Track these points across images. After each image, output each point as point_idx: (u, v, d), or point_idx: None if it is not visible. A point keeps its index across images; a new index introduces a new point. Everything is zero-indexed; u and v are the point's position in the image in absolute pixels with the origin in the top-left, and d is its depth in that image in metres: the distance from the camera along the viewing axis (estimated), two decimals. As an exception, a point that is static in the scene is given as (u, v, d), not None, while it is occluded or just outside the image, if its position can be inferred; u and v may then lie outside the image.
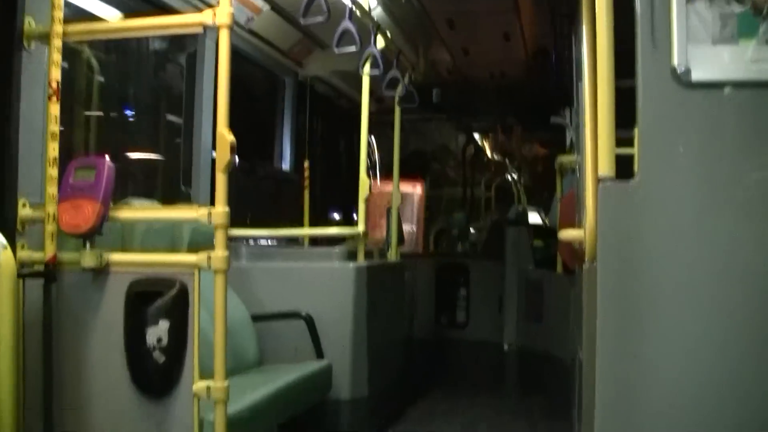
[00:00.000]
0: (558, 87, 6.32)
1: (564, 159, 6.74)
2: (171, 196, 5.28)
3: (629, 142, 2.65)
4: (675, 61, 2.36)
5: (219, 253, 3.32)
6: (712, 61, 2.36)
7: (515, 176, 15.20)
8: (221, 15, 3.38)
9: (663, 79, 2.37)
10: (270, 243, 6.17)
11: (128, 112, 5.59)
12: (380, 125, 8.91)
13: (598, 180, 2.45)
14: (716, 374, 2.34)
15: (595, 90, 2.52)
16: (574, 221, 4.39)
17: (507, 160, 14.91)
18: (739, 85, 2.34)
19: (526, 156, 14.36)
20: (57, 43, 3.48)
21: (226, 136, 3.31)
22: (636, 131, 2.45)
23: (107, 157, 3.51)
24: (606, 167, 2.39)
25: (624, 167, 2.60)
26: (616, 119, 2.49)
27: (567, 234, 3.33)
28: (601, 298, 2.40)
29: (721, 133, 2.36)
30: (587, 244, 2.61)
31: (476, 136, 12.95)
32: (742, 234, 2.36)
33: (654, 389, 2.36)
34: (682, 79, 2.35)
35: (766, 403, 2.30)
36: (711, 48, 2.37)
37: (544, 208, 10.19)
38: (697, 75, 2.35)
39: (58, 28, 3.48)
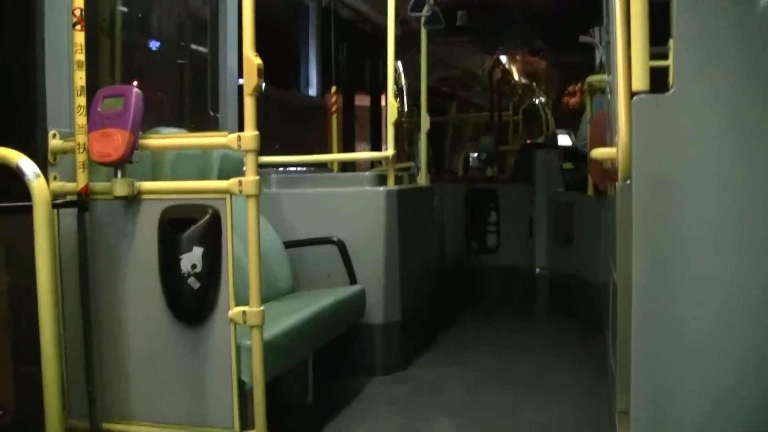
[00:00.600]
0: (586, 4, 6.18)
1: (593, 79, 6.65)
2: (200, 123, 5.26)
3: (660, 57, 2.60)
4: (712, -31, 2.30)
5: (250, 177, 3.31)
6: (750, -31, 2.29)
7: (543, 99, 15.06)
8: (245, -63, 3.32)
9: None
10: (299, 170, 6.16)
11: (154, 42, 5.54)
12: (405, 50, 8.81)
13: (631, 95, 2.40)
14: (753, 298, 2.32)
15: (627, 3, 2.46)
16: (605, 142, 4.33)
17: (534, 84, 14.76)
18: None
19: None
20: (78, -31, 3.44)
21: (252, 59, 3.27)
22: (670, 43, 2.40)
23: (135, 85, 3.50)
24: (640, 81, 2.33)
25: (659, 83, 2.55)
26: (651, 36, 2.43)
27: (600, 152, 3.29)
28: (636, 216, 2.37)
29: (758, 43, 2.29)
30: (621, 162, 2.57)
31: (503, 59, 12.79)
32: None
33: (689, 311, 2.35)
34: (717, -9, 2.29)
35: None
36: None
37: (574, 131, 10.08)
38: (734, -17, 2.29)
39: (80, -45, 3.44)
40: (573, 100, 13.56)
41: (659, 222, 2.36)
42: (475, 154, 10.61)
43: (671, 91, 2.35)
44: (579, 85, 10.02)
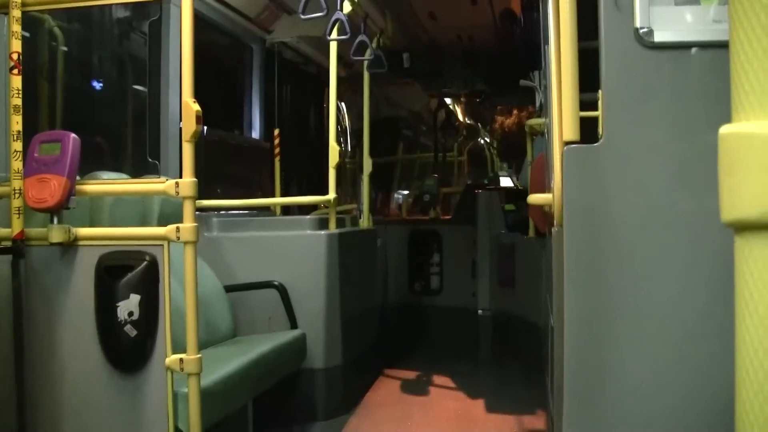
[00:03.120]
0: (527, 50, 6.30)
1: (533, 122, 6.75)
2: (139, 168, 5.23)
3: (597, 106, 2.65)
4: (638, 22, 2.36)
5: (187, 224, 3.30)
6: (675, 22, 2.36)
7: (488, 140, 15.20)
8: (183, -18, 3.33)
9: (626, 40, 2.36)
10: (241, 212, 6.14)
11: (94, 84, 5.51)
12: (351, 92, 8.87)
13: (563, 144, 2.45)
14: (686, 340, 2.35)
15: (560, 53, 2.51)
16: (544, 185, 4.39)
17: (479, 124, 14.90)
18: (701, 45, 2.34)
19: (498, 124, 14.38)
20: (16, 13, 3.42)
21: (191, 105, 3.28)
22: (600, 94, 2.45)
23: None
24: (570, 131, 2.38)
25: (593, 130, 2.61)
26: (585, 83, 2.48)
27: (536, 198, 3.33)
28: (567, 262, 2.40)
29: (685, 93, 2.36)
30: (555, 208, 2.61)
31: (447, 101, 12.92)
32: (709, 196, 2.36)
33: (622, 356, 2.38)
34: (645, 40, 2.35)
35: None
36: (673, 9, 2.37)
37: (517, 172, 10.20)
38: (659, 36, 2.35)
39: (17, -2, 3.43)
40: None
41: (589, 268, 2.40)
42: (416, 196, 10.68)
43: (600, 141, 2.39)
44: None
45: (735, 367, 0.83)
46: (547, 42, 3.55)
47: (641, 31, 2.36)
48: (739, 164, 0.80)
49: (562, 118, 2.42)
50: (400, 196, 11.44)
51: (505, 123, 14.14)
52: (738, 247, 0.83)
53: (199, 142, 3.40)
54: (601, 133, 2.43)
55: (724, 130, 0.84)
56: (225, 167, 6.53)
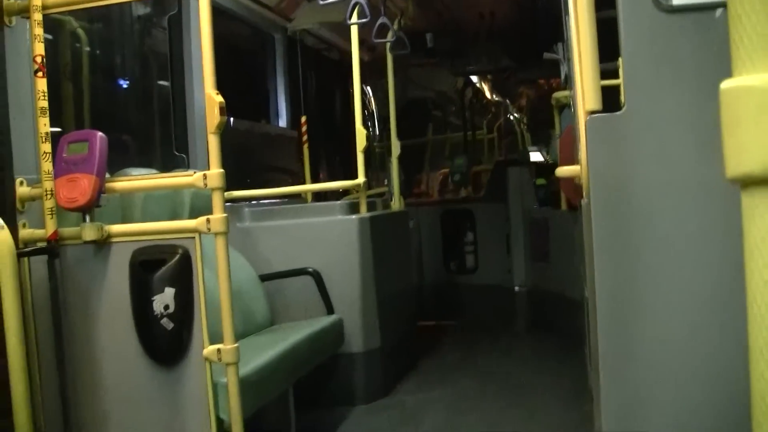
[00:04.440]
0: (549, 22, 6.25)
1: (559, 95, 6.70)
2: (167, 163, 5.27)
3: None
4: (655, -13, 2.33)
5: (217, 215, 3.32)
6: (694, -15, 2.32)
7: (517, 116, 15.11)
8: (200, -27, 3.35)
9: (643, 6, 2.33)
10: (272, 201, 6.17)
11: (119, 82, 5.55)
12: (376, 75, 8.85)
13: (587, 114, 2.43)
14: (713, 306, 2.33)
15: (578, 23, 2.49)
16: (574, 157, 4.37)
17: (507, 100, 14.81)
18: (721, 5, 2.30)
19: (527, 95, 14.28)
20: (37, 16, 3.45)
21: (214, 97, 3.29)
22: (620, 62, 2.42)
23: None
24: (592, 101, 2.36)
25: (617, 99, 2.58)
26: (608, 52, 2.46)
27: (563, 171, 3.32)
28: (595, 234, 2.39)
29: (706, 57, 2.32)
30: (583, 179, 2.60)
31: (474, 78, 12.85)
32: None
33: (653, 323, 2.36)
34: (663, 5, 2.32)
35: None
36: (691, -29, 2.33)
37: (547, 146, 10.13)
38: (677, 0, 2.32)
39: (37, 1, 3.45)
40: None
41: (616, 238, 2.38)
42: (449, 175, 10.65)
43: (623, 110, 2.37)
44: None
45: (747, 323, 0.82)
46: (567, 13, 3.52)
47: (659, -5, 2.33)
48: (742, 118, 0.79)
49: (584, 88, 2.40)
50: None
51: (529, 95, 14.07)
52: (744, 203, 0.82)
53: (226, 133, 3.41)
54: (623, 101, 2.41)
55: (725, 85, 0.83)
56: (254, 157, 6.55)
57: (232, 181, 3.42)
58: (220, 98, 3.30)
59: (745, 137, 0.78)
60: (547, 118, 7.68)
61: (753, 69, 0.78)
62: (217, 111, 3.28)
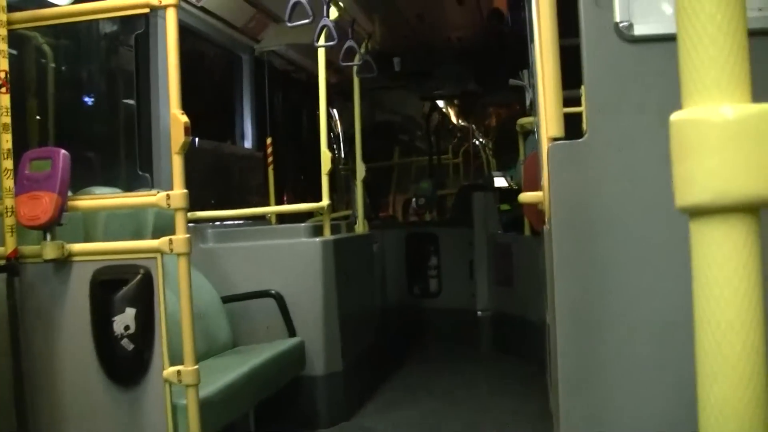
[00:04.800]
0: (515, 48, 6.31)
1: (523, 121, 6.77)
2: (131, 182, 5.24)
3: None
4: (617, 16, 2.36)
5: (180, 236, 3.31)
6: (655, 16, 2.36)
7: (482, 141, 15.23)
8: (167, -5, 3.35)
9: (606, 35, 2.36)
10: (236, 223, 6.15)
11: (84, 99, 5.52)
12: (342, 97, 8.88)
13: (549, 140, 2.45)
14: (676, 329, 2.35)
15: (542, 50, 2.52)
16: (538, 183, 4.41)
17: (473, 126, 14.93)
18: (681, 38, 2.33)
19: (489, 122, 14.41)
20: (2, 32, 3.42)
21: (179, 117, 3.29)
22: (582, 89, 2.45)
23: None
24: (554, 128, 2.39)
25: (580, 126, 2.61)
26: (571, 80, 2.49)
27: (527, 197, 3.35)
28: (556, 258, 2.41)
29: (666, 86, 2.35)
30: (545, 206, 2.62)
31: (440, 104, 12.94)
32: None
33: (615, 347, 2.38)
34: (625, 34, 2.35)
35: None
36: (653, 2, 2.37)
37: (511, 171, 10.22)
38: (639, 29, 2.34)
39: (2, 16, 3.43)
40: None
41: (578, 264, 2.40)
42: (414, 199, 10.70)
43: (585, 136, 2.40)
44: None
45: (695, 346, 0.84)
46: (532, 40, 3.56)
47: (621, 25, 2.36)
48: (690, 150, 0.81)
49: (547, 114, 2.42)
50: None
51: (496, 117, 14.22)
52: (693, 232, 0.84)
53: (190, 153, 3.41)
54: (585, 128, 2.43)
55: (675, 117, 0.85)
56: (218, 178, 6.53)
57: (197, 201, 3.41)
58: (185, 118, 3.30)
59: (692, 169, 0.80)
60: (512, 143, 7.75)
61: (701, 101, 0.80)
62: (182, 131, 3.28)
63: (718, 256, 0.78)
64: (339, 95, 8.88)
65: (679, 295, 2.35)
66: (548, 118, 2.40)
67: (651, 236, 2.37)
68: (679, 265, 2.32)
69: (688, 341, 2.24)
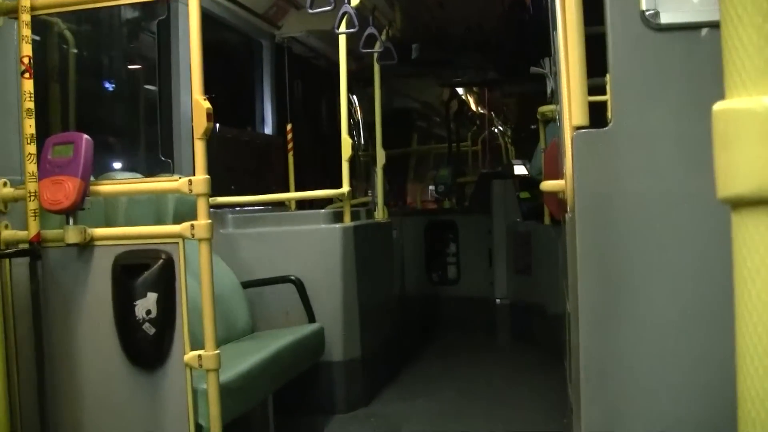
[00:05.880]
0: (536, 37, 6.28)
1: (545, 109, 6.73)
2: (153, 168, 5.26)
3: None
4: (643, 4, 2.34)
5: (202, 221, 3.31)
6: (681, 3, 2.34)
7: (501, 128, 15.17)
8: (189, -21, 3.34)
9: (632, 23, 2.35)
10: (256, 208, 6.16)
11: (106, 85, 5.54)
12: (362, 84, 8.87)
13: (573, 129, 2.44)
14: (700, 322, 2.34)
15: (567, 38, 2.50)
16: (558, 172, 4.39)
17: (493, 113, 14.88)
18: (707, 26, 2.32)
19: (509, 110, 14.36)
20: (26, 17, 3.43)
21: (201, 103, 3.29)
22: (608, 78, 2.44)
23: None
24: (579, 116, 2.37)
25: (605, 115, 2.59)
26: (595, 68, 2.47)
27: (548, 185, 3.33)
28: (580, 248, 2.40)
29: (693, 75, 2.34)
30: (567, 194, 2.61)
31: (459, 90, 12.90)
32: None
33: (636, 339, 2.37)
34: (651, 23, 2.33)
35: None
36: (679, -10, 2.35)
37: (529, 160, 10.19)
38: (666, 18, 2.33)
39: (26, 2, 3.43)
40: None
41: (601, 253, 2.39)
42: (432, 187, 10.69)
43: (609, 125, 2.39)
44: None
45: (736, 342, 0.84)
46: (555, 28, 3.54)
47: (647, 13, 2.34)
48: (734, 141, 0.80)
49: (571, 103, 2.41)
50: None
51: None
52: (735, 224, 0.83)
53: (212, 139, 3.41)
54: (609, 117, 2.42)
55: (718, 106, 0.84)
56: (239, 164, 6.54)
57: (217, 187, 3.41)
58: (207, 104, 3.29)
59: (736, 159, 0.79)
60: (532, 131, 7.73)
61: (746, 92, 0.79)
62: (204, 116, 3.28)
63: (761, 248, 0.78)
64: (358, 82, 8.87)
65: (704, 288, 2.35)
66: (573, 107, 2.38)
67: (675, 227, 2.36)
68: (704, 257, 2.34)
69: (714, 335, 2.25)
